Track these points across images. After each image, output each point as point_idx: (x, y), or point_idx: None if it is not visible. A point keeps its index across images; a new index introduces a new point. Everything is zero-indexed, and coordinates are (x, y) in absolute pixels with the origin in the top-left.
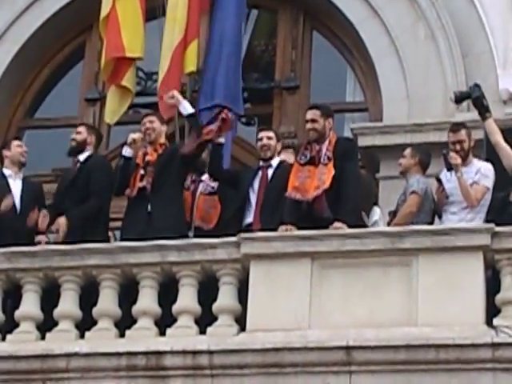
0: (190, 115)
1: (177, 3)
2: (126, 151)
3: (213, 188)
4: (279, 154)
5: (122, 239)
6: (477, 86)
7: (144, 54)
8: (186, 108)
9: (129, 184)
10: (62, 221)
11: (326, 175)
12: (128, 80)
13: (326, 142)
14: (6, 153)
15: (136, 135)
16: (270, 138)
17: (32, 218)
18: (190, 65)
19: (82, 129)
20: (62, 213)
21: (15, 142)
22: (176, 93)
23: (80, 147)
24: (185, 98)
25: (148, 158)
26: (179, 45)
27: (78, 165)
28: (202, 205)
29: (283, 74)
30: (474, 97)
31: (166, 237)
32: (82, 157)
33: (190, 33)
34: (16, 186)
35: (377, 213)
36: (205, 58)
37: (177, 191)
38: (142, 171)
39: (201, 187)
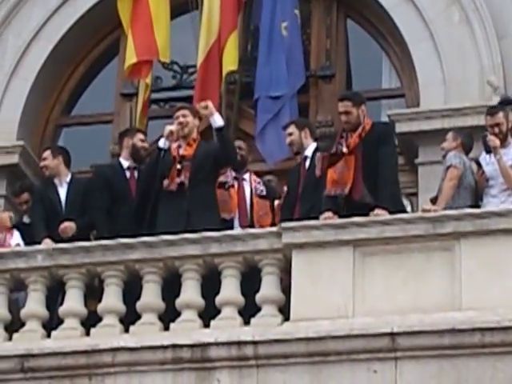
0: (219, 129)
1: None
2: (163, 143)
3: (262, 191)
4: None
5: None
6: None
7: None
8: (217, 121)
9: (166, 176)
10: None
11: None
12: (148, 78)
13: (360, 129)
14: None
15: (173, 127)
16: (290, 135)
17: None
18: (230, 64)
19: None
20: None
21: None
22: (210, 104)
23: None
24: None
25: (182, 152)
26: (217, 40)
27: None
28: (257, 207)
29: (318, 63)
30: None
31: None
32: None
33: (226, 27)
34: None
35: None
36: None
37: (212, 189)
38: (178, 165)
39: (247, 186)
